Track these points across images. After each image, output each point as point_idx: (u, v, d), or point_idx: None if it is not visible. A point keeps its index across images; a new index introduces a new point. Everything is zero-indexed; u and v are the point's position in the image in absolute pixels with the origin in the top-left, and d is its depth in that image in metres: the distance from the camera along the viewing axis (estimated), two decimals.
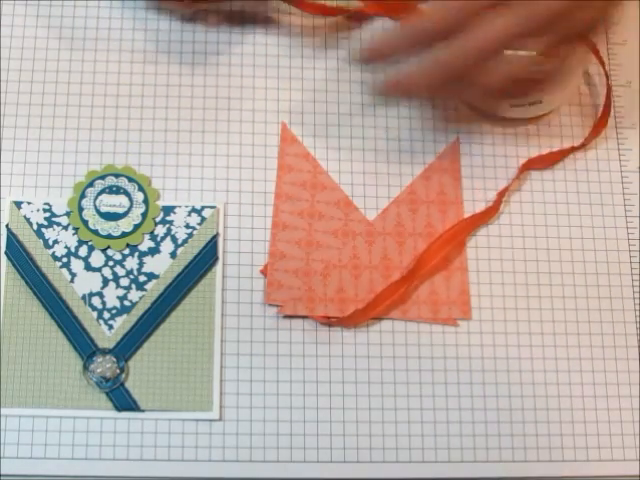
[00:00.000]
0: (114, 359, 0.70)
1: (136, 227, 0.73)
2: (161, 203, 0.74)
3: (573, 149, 0.79)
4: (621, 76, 0.82)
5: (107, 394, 0.70)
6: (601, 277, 0.77)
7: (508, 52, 0.66)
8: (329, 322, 0.73)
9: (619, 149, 0.80)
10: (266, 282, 0.74)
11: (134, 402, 0.70)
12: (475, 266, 0.76)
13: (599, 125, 0.80)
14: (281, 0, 0.80)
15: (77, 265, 0.72)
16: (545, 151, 0.79)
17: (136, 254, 0.73)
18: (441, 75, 0.67)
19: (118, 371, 0.70)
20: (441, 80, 0.67)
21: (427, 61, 0.67)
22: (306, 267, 0.74)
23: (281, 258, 0.74)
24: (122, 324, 0.71)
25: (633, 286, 0.77)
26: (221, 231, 0.74)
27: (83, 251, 0.73)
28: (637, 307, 0.76)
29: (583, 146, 0.79)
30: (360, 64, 0.74)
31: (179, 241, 0.73)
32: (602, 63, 0.80)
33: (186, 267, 0.73)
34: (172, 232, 0.73)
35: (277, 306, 0.73)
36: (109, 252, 0.73)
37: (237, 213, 0.75)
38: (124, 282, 0.72)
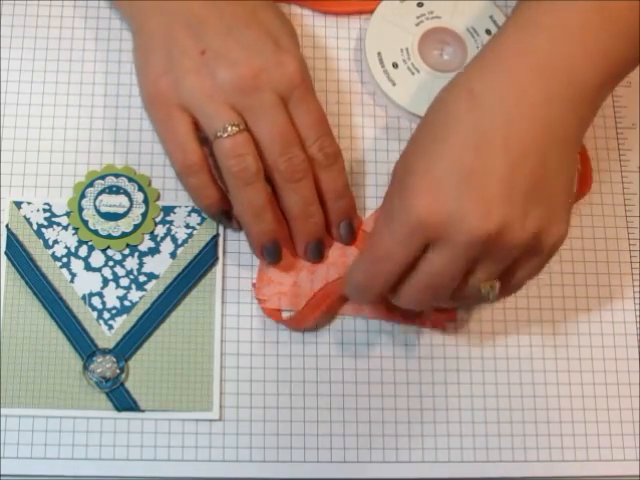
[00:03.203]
0: (114, 359, 0.70)
1: (136, 227, 0.73)
2: (161, 203, 0.74)
3: None
4: None
5: (107, 394, 0.70)
6: (601, 277, 0.77)
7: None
8: (281, 321, 0.73)
9: (619, 149, 0.80)
10: (256, 277, 0.74)
11: (134, 402, 0.70)
12: None
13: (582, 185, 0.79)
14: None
15: (77, 265, 0.72)
16: None
17: (136, 254, 0.73)
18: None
19: (118, 371, 0.70)
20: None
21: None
22: (297, 263, 0.74)
23: None
24: (122, 324, 0.71)
25: (633, 286, 0.77)
26: (221, 231, 0.74)
27: (83, 251, 0.73)
28: (637, 307, 0.76)
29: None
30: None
31: (179, 241, 0.73)
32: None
33: (186, 267, 0.73)
34: (172, 232, 0.73)
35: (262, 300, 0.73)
36: (109, 252, 0.73)
37: None
38: (124, 282, 0.72)
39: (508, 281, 0.66)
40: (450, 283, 0.64)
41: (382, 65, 0.79)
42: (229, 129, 0.68)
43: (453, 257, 0.62)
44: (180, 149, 0.70)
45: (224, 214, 0.72)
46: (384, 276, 0.64)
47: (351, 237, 0.74)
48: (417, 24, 0.81)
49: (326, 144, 0.71)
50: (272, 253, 0.72)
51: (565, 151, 0.65)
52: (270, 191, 0.71)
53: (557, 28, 0.64)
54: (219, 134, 0.68)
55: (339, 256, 0.75)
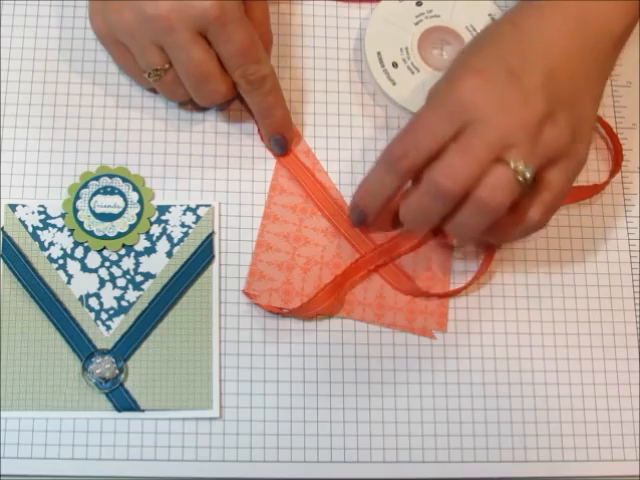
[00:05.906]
0: (113, 359, 0.70)
1: (131, 227, 0.73)
2: (156, 202, 0.74)
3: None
4: (621, 76, 0.82)
5: (107, 395, 0.70)
6: (601, 277, 0.76)
7: None
8: (281, 313, 0.73)
9: None
10: (248, 271, 0.74)
11: (134, 402, 0.70)
12: None
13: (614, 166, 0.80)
14: None
15: (73, 266, 0.72)
16: None
17: (132, 254, 0.73)
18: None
19: (117, 371, 0.70)
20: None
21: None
22: (291, 261, 0.74)
23: (267, 249, 0.74)
24: (120, 324, 0.71)
25: (633, 286, 0.77)
26: (221, 232, 0.74)
27: (79, 252, 0.73)
28: (637, 307, 0.76)
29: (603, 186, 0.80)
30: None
31: (175, 240, 0.73)
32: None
33: (182, 266, 0.73)
34: (168, 231, 0.73)
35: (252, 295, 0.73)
36: (105, 253, 0.73)
37: (236, 214, 0.75)
38: (121, 282, 0.72)
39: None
40: (480, 160, 0.65)
41: (382, 65, 0.79)
42: (153, 75, 0.72)
43: (487, 136, 0.65)
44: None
45: None
46: (418, 150, 0.67)
47: (281, 149, 0.76)
48: (416, 23, 0.81)
49: (249, 72, 0.72)
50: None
51: (592, 100, 0.70)
52: None
53: None
54: (146, 76, 0.73)
55: (333, 257, 0.75)
